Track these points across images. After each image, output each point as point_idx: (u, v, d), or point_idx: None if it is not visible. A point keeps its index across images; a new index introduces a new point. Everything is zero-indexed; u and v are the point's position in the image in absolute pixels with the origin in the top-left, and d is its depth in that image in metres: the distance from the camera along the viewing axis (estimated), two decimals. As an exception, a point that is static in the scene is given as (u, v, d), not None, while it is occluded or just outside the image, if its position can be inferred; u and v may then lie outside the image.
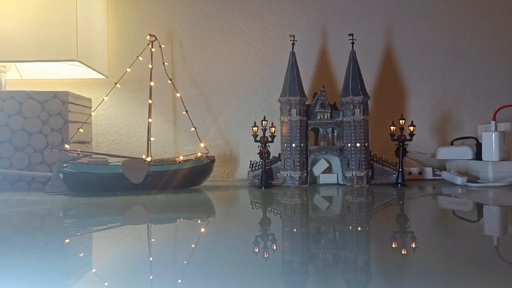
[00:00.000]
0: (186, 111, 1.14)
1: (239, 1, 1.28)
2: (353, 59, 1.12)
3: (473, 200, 0.89)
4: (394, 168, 1.10)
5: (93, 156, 1.03)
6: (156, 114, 1.22)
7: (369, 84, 1.24)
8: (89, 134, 1.18)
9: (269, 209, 0.83)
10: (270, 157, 1.09)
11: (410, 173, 1.17)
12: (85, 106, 1.16)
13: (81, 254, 0.52)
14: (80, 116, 1.11)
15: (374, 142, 1.18)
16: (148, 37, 1.13)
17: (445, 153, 1.20)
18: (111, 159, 1.03)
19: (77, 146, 1.05)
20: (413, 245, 0.54)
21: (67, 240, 0.59)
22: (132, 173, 0.98)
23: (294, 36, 1.12)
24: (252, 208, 0.85)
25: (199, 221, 0.73)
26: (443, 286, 0.39)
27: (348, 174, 1.08)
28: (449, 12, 1.31)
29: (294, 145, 1.07)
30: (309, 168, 1.09)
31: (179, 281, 0.42)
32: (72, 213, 0.78)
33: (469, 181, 1.06)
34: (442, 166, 1.23)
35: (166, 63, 1.17)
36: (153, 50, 1.13)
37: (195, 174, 1.05)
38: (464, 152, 1.16)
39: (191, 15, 1.28)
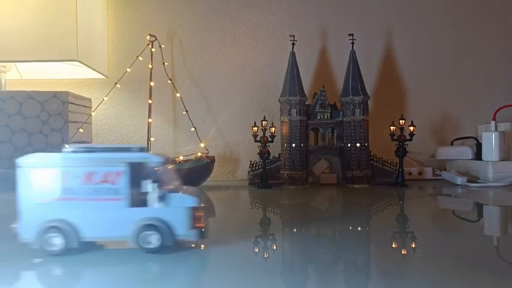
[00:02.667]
0: (186, 111, 1.14)
1: (239, 1, 1.28)
2: (353, 59, 1.11)
3: (473, 200, 0.89)
4: (394, 168, 1.10)
5: (93, 156, 1.03)
6: (156, 114, 1.22)
7: (369, 84, 1.24)
8: (89, 134, 1.18)
9: (269, 209, 0.83)
10: (270, 157, 1.09)
11: (410, 173, 1.17)
12: (85, 106, 1.16)
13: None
14: (80, 116, 1.11)
15: (374, 142, 1.18)
16: (148, 37, 1.13)
17: (445, 153, 1.20)
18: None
19: (77, 146, 1.05)
20: (413, 245, 0.54)
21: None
22: (132, 173, 0.98)
23: (294, 36, 1.12)
24: (252, 208, 0.85)
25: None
26: (443, 286, 0.39)
27: (348, 174, 1.08)
28: (449, 13, 1.31)
29: (294, 145, 1.07)
30: (309, 168, 1.09)
31: (179, 280, 0.42)
32: (72, 213, 0.78)
33: (469, 181, 1.06)
34: (442, 166, 1.23)
35: (166, 63, 1.17)
36: (153, 50, 1.13)
37: (195, 174, 1.05)
38: (464, 152, 1.16)
39: (191, 15, 1.28)
